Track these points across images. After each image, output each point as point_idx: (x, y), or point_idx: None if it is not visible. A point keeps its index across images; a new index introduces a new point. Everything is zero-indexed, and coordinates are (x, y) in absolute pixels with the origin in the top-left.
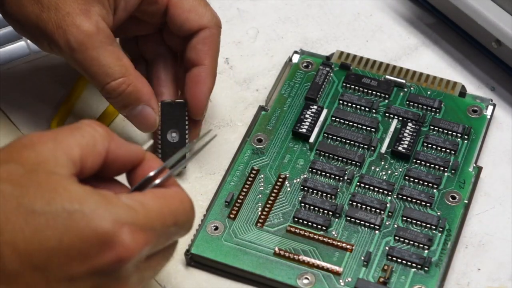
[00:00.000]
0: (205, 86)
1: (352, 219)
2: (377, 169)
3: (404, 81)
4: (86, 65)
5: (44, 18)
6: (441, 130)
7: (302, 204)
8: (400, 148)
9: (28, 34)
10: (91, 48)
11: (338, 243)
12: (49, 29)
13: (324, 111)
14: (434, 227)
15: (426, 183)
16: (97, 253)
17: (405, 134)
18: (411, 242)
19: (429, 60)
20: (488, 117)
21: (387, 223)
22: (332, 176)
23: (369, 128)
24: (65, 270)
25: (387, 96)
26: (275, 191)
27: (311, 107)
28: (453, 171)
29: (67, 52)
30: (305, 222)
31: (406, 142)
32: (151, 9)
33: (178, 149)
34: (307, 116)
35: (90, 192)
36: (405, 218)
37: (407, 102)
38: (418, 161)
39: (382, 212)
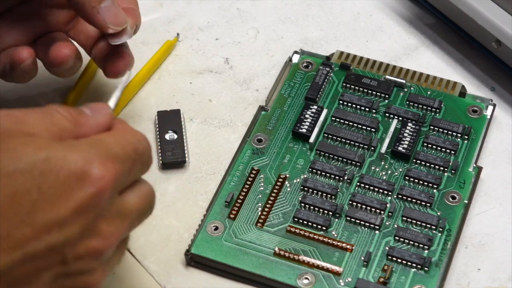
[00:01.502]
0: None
1: (352, 219)
2: (377, 169)
3: (404, 81)
4: None
5: None
6: (441, 130)
7: (302, 204)
8: (400, 148)
9: None
10: None
11: (338, 243)
12: None
13: (324, 111)
14: (434, 227)
15: (426, 183)
16: (77, 190)
17: (405, 134)
18: (411, 242)
19: (429, 60)
20: (488, 117)
21: (387, 223)
22: (332, 176)
23: (369, 128)
24: (52, 217)
25: (387, 96)
26: (275, 191)
27: (311, 107)
28: (453, 171)
29: None
30: (305, 222)
31: (406, 142)
32: None
33: (176, 146)
34: (307, 116)
35: (53, 141)
36: (405, 218)
37: (407, 102)
38: (418, 161)
39: (382, 212)
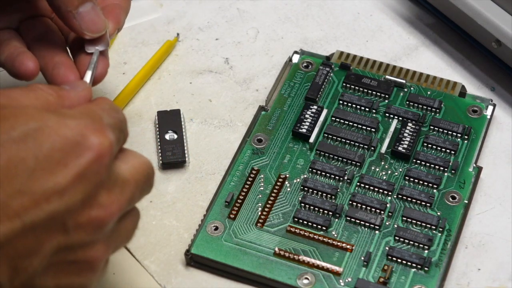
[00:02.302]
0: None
1: (352, 219)
2: (377, 169)
3: (404, 81)
4: None
5: None
6: (441, 130)
7: (302, 204)
8: (400, 148)
9: None
10: None
11: (338, 243)
12: None
13: (324, 111)
14: (434, 227)
15: (426, 183)
16: (76, 157)
17: (405, 134)
18: (411, 242)
19: (429, 60)
20: (488, 117)
21: (387, 223)
22: (332, 176)
23: (369, 128)
24: (51, 186)
25: (387, 96)
26: (275, 191)
27: (311, 107)
28: (453, 171)
29: None
30: (305, 222)
31: (406, 142)
32: None
33: (176, 146)
34: (307, 116)
35: (45, 110)
36: (405, 218)
37: (407, 102)
38: (418, 161)
39: (382, 212)
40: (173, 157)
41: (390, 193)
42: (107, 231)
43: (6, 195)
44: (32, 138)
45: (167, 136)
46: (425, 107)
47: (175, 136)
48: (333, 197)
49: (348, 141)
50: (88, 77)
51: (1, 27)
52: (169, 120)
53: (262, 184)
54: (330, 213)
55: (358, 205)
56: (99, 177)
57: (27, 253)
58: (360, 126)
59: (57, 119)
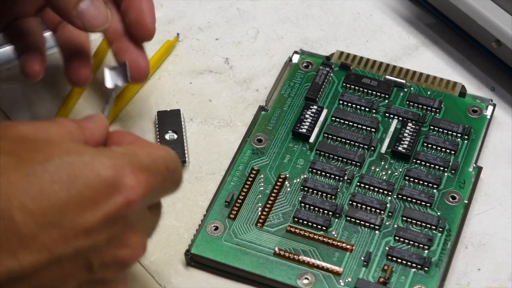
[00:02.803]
0: (144, 6)
1: (352, 219)
2: (377, 169)
3: (404, 81)
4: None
5: None
6: (441, 130)
7: (302, 204)
8: (400, 148)
9: None
10: None
11: (338, 243)
12: None
13: (324, 111)
14: (434, 227)
15: (426, 183)
16: (106, 198)
17: (405, 134)
18: (411, 242)
19: (429, 60)
20: (488, 117)
21: (387, 223)
22: (332, 176)
23: (369, 128)
24: (79, 222)
25: (387, 96)
26: (275, 191)
27: (311, 107)
28: (453, 171)
29: None
30: (305, 222)
31: (406, 142)
32: None
33: (176, 146)
34: (307, 116)
35: (83, 145)
36: (405, 218)
37: (407, 102)
38: (418, 161)
39: (382, 212)
40: None
41: (390, 193)
42: (130, 269)
43: (37, 225)
44: (66, 172)
45: (167, 136)
46: (425, 107)
47: (175, 136)
48: (333, 197)
49: (348, 141)
50: (106, 111)
51: (24, 15)
52: (169, 120)
53: (262, 184)
54: (330, 213)
55: (358, 205)
56: (127, 220)
57: (51, 286)
58: (360, 126)
59: (93, 155)
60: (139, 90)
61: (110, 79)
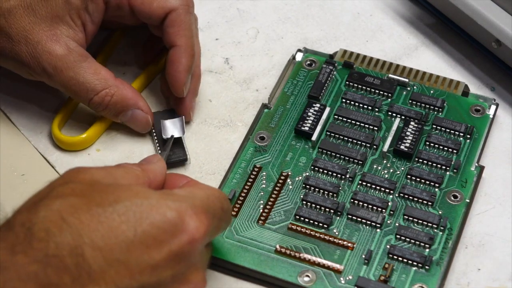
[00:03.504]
0: (180, 65)
1: (354, 217)
2: (379, 168)
3: (407, 80)
4: (66, 86)
5: (17, 51)
6: (444, 129)
7: (304, 202)
8: (402, 147)
9: (7, 65)
10: (66, 70)
11: (339, 241)
12: (25, 60)
13: (327, 109)
14: (435, 226)
15: (428, 182)
16: (172, 237)
17: (408, 133)
18: (412, 241)
19: (429, 60)
20: (491, 116)
21: (388, 222)
22: (334, 174)
23: (371, 127)
24: (145, 259)
25: (390, 94)
26: (277, 188)
27: (314, 105)
28: (455, 170)
29: (45, 78)
30: (306, 220)
31: (409, 141)
32: (117, 13)
33: (176, 145)
34: (309, 114)
35: (149, 189)
36: (406, 217)
37: (410, 101)
38: (420, 160)
39: (383, 210)
40: (175, 156)
41: (391, 192)
42: None
43: (106, 262)
44: (134, 213)
45: (164, 135)
46: (427, 106)
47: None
48: (334, 195)
49: (351, 139)
50: (164, 156)
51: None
52: (166, 115)
53: (264, 181)
54: (332, 211)
55: (360, 203)
56: (190, 258)
57: None
58: (363, 124)
59: (159, 198)
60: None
61: (167, 131)
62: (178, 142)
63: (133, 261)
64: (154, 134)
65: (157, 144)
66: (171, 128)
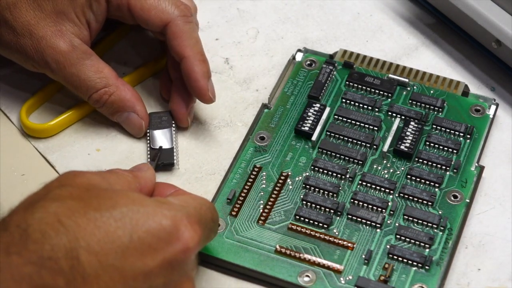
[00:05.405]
0: (196, 74)
1: (354, 217)
2: (379, 168)
3: (407, 80)
4: (68, 81)
5: (22, 44)
6: (444, 129)
7: (304, 202)
8: (402, 147)
9: (13, 58)
10: (69, 66)
11: (339, 241)
12: (29, 53)
13: (327, 109)
14: (435, 226)
15: (428, 182)
16: (166, 245)
17: (408, 133)
18: (412, 241)
19: (429, 60)
20: (491, 116)
21: (388, 222)
22: (334, 174)
23: (371, 127)
24: (139, 266)
25: (390, 94)
26: (277, 188)
27: (314, 105)
28: (455, 170)
29: (48, 71)
30: (306, 220)
31: (409, 141)
32: (118, 14)
33: (166, 149)
34: (309, 114)
35: (145, 196)
36: (406, 217)
37: (410, 101)
38: (420, 160)
39: (383, 210)
40: (163, 158)
41: (391, 192)
42: None
43: (101, 266)
44: (130, 219)
45: (156, 137)
46: (427, 106)
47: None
48: (334, 195)
49: (351, 139)
50: (152, 165)
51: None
52: (159, 122)
53: (264, 181)
54: (332, 211)
55: (360, 203)
56: (183, 267)
57: None
58: (363, 124)
59: (155, 206)
60: (138, 89)
61: (156, 141)
62: (168, 149)
63: (127, 267)
64: (148, 136)
65: (148, 145)
66: (161, 138)
